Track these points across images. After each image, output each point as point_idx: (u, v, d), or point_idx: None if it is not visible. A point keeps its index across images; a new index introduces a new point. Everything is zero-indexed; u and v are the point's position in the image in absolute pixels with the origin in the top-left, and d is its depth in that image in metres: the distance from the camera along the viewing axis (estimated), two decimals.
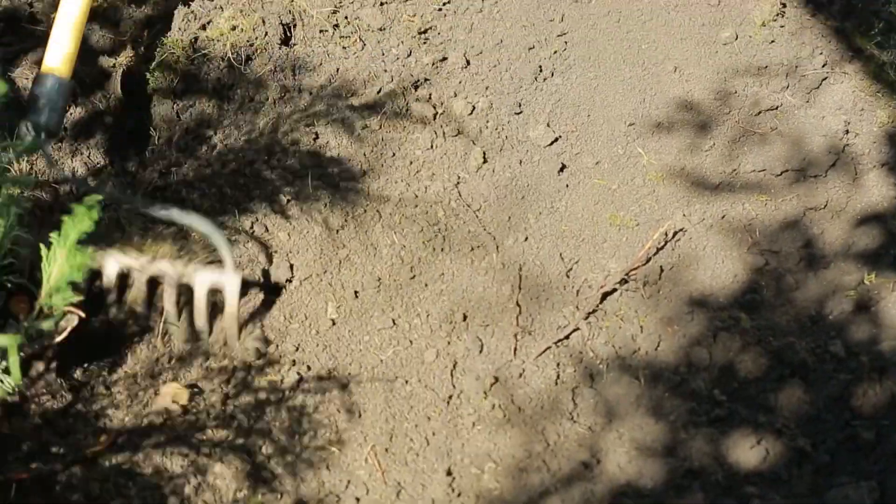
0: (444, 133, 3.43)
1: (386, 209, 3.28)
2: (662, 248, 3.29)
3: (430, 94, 3.51)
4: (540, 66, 3.60)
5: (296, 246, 3.19)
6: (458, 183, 3.35)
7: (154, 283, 2.97)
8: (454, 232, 3.26)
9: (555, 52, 3.64)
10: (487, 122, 3.48)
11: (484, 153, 3.41)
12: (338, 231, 3.23)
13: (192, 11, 3.54)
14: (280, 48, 3.50)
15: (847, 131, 3.52)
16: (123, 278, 2.95)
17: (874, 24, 3.70)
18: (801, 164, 3.46)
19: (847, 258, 3.29)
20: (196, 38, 3.48)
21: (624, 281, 3.21)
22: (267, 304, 3.07)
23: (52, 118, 2.96)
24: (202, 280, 2.93)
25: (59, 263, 2.40)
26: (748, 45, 3.68)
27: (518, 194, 3.36)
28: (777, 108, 3.56)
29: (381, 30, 3.59)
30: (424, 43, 3.61)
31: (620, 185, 3.42)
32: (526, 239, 3.28)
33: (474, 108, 3.49)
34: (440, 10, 3.66)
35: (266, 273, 3.11)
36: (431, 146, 3.41)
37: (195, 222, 2.99)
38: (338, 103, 3.44)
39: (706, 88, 3.60)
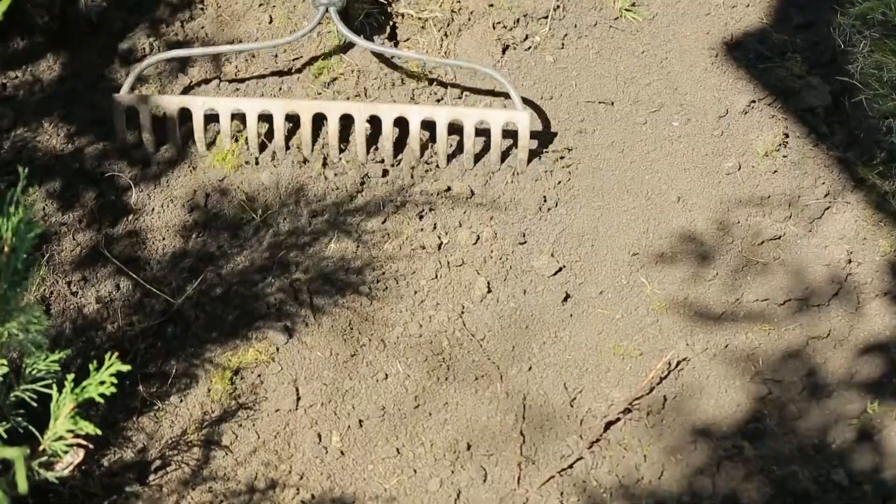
0: (448, 263, 3.65)
1: (391, 338, 3.50)
2: (666, 377, 3.46)
3: (435, 224, 3.73)
4: (544, 196, 3.80)
5: (301, 374, 3.41)
6: (462, 313, 3.56)
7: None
8: (458, 361, 3.46)
9: (559, 182, 3.84)
10: (492, 251, 3.68)
11: (488, 283, 3.62)
12: (343, 360, 3.44)
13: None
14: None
15: (849, 261, 3.67)
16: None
17: (876, 154, 3.88)
18: (804, 293, 3.62)
19: (850, 387, 3.44)
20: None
21: (627, 410, 3.37)
22: None
23: None
24: (496, 119, 3.79)
25: (64, 413, 2.52)
26: (751, 175, 3.86)
27: (522, 324, 3.56)
28: (779, 237, 3.73)
29: (383, 160, 3.84)
30: (429, 172, 3.85)
31: (624, 315, 3.60)
32: (530, 368, 3.46)
33: (479, 237, 3.70)
34: None
35: None
36: (436, 276, 3.62)
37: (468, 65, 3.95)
38: (343, 231, 3.67)
39: (709, 218, 3.77)
